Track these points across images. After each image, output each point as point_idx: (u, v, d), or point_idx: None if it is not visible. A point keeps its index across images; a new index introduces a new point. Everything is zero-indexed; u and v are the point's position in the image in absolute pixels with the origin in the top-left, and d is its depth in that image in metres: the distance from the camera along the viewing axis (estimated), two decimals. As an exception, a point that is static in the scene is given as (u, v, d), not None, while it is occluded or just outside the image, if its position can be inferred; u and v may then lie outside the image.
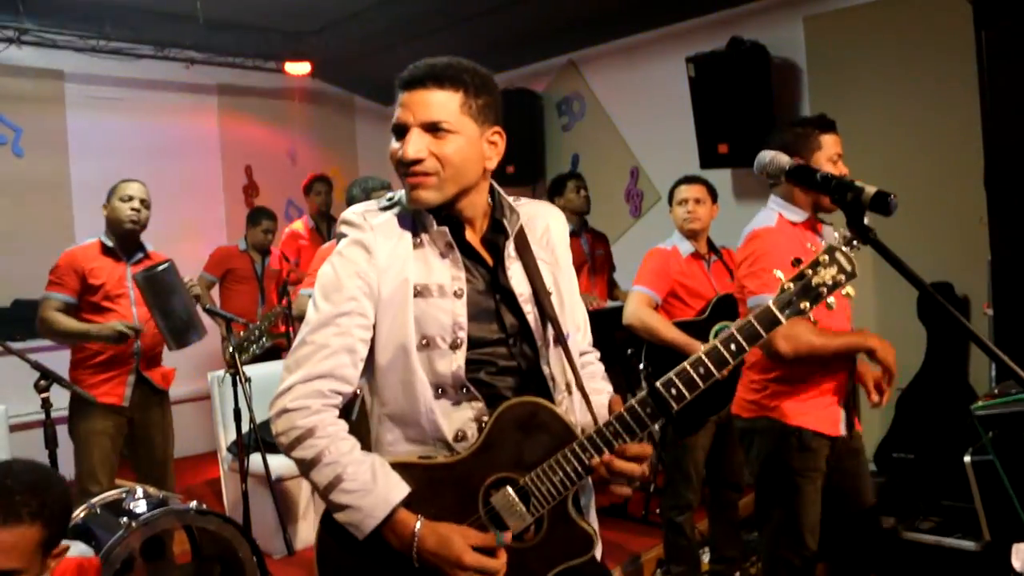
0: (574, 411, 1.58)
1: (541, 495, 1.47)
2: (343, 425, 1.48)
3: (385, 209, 1.56)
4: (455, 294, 1.50)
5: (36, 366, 2.85)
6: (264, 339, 5.20)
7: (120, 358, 3.42)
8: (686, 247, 3.43)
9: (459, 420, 1.51)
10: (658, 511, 3.64)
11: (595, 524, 1.60)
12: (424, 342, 1.49)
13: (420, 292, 1.49)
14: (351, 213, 1.55)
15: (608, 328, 3.70)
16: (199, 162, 6.60)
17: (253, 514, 3.21)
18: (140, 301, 3.39)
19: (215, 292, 5.53)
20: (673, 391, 1.45)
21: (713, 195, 3.50)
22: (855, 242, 2.74)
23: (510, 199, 1.62)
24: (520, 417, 1.49)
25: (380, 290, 1.49)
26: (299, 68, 6.60)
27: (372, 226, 1.52)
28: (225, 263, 5.48)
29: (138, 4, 5.44)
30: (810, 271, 1.48)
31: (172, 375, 3.66)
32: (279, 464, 4.10)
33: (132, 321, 3.40)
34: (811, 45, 4.90)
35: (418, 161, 1.46)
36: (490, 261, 1.57)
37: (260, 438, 3.28)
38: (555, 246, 1.65)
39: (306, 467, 1.45)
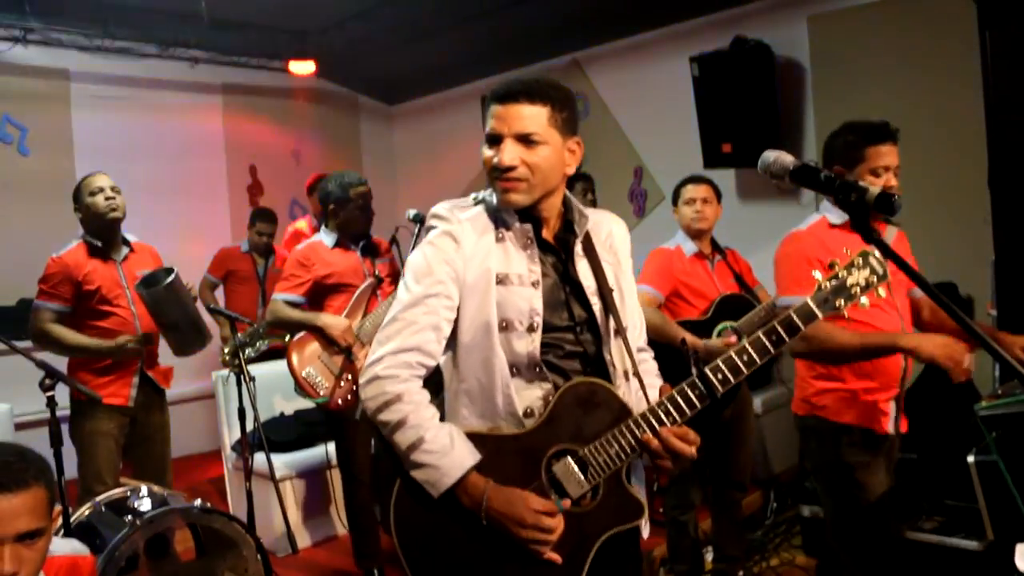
0: (631, 396, 1.75)
1: (598, 465, 1.64)
2: (427, 395, 1.66)
3: (472, 206, 1.74)
4: (533, 284, 1.69)
5: (41, 365, 2.85)
6: (261, 341, 5.20)
7: (125, 359, 3.38)
8: (690, 247, 3.42)
9: (529, 397, 1.68)
10: (661, 510, 3.64)
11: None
12: (504, 324, 1.66)
13: (502, 280, 1.67)
14: (442, 208, 1.73)
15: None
16: (203, 161, 6.61)
17: (257, 513, 3.22)
18: (139, 300, 3.33)
19: (219, 293, 5.53)
20: (719, 376, 1.64)
21: (718, 195, 3.49)
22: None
23: (579, 205, 1.79)
24: (581, 395, 1.66)
25: (465, 276, 1.67)
26: (303, 67, 6.61)
27: (460, 220, 1.70)
28: (226, 264, 5.47)
29: (143, 3, 5.45)
30: (845, 272, 1.64)
31: (171, 373, 3.64)
32: (283, 463, 4.12)
33: (133, 321, 3.36)
34: (815, 44, 4.90)
35: (512, 168, 1.64)
36: (562, 256, 1.76)
37: (264, 437, 3.28)
38: (617, 250, 1.85)
39: (391, 429, 1.62)
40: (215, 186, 6.69)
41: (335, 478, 4.33)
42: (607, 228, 1.84)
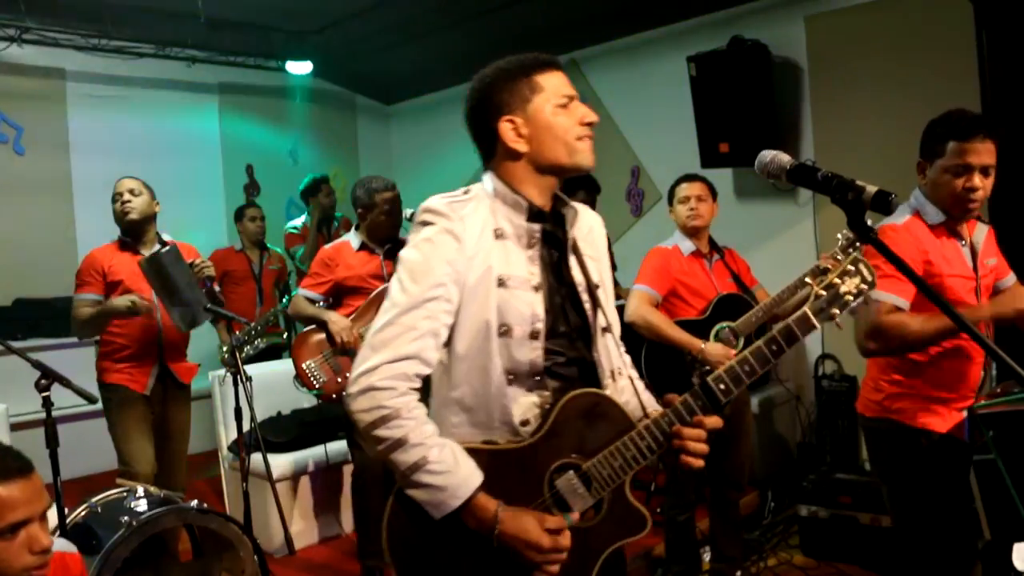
0: (618, 396, 1.67)
1: (602, 479, 1.57)
2: (424, 409, 1.55)
3: (466, 200, 1.63)
4: (534, 288, 1.60)
5: (37, 365, 2.84)
6: (259, 340, 5.19)
7: (144, 350, 3.50)
8: (687, 246, 3.42)
9: (526, 406, 1.59)
10: (659, 510, 3.64)
11: None
12: (504, 329, 1.57)
13: (503, 282, 1.57)
14: (438, 203, 1.60)
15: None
16: (200, 161, 6.61)
17: (254, 513, 3.21)
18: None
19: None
20: (722, 386, 1.59)
21: (713, 193, 3.49)
22: (856, 242, 2.72)
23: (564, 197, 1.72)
24: (583, 407, 1.59)
25: (467, 278, 1.56)
26: (300, 67, 6.60)
27: (461, 216, 1.58)
28: (221, 265, 5.39)
29: (139, 3, 5.44)
30: (838, 280, 1.62)
31: (195, 370, 3.72)
32: (280, 463, 4.11)
33: (154, 313, 3.49)
34: (812, 44, 4.90)
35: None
36: (555, 254, 1.68)
37: (261, 437, 3.27)
38: (597, 244, 1.77)
39: (389, 447, 1.49)
40: (211, 186, 6.68)
41: (333, 478, 4.33)
42: (587, 223, 1.76)
